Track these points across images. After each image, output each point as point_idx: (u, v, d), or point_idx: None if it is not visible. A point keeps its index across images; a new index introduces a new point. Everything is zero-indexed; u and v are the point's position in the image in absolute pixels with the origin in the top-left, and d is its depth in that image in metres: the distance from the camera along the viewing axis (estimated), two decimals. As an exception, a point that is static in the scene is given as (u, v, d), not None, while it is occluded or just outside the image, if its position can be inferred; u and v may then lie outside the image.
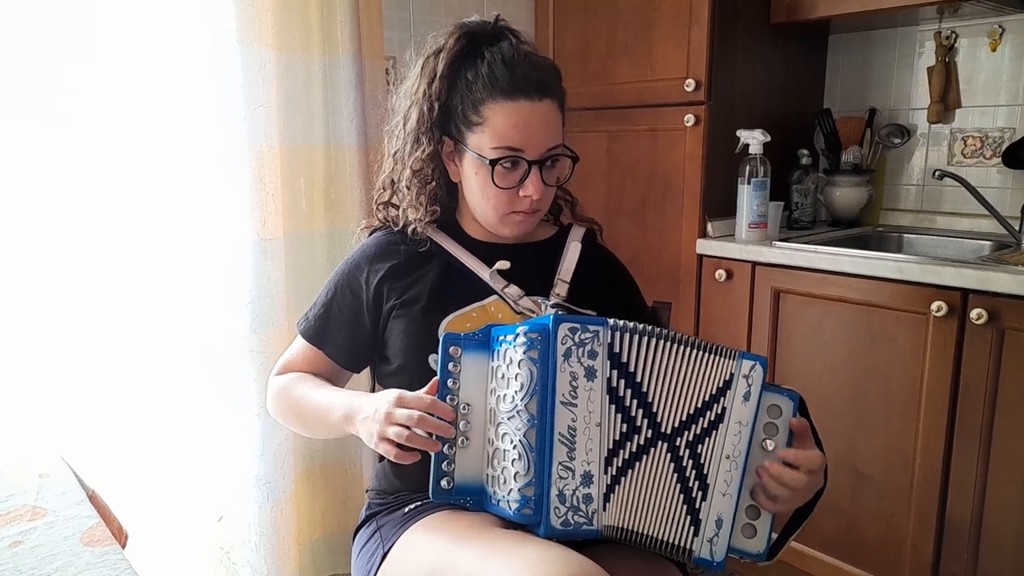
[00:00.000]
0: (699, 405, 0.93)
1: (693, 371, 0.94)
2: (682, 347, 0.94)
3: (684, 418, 0.93)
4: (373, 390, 1.24)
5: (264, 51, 1.62)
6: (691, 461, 0.93)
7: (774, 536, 0.97)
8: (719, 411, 0.94)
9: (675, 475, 0.92)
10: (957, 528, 1.57)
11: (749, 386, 0.94)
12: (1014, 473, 1.49)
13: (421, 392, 0.93)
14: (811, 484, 0.94)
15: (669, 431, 0.93)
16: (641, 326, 0.93)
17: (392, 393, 0.94)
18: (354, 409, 1.00)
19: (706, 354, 0.94)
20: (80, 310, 1.52)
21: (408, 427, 0.90)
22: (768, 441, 0.95)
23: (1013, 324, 1.44)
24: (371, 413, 0.95)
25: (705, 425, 0.93)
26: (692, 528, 0.92)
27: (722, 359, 0.94)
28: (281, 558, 1.77)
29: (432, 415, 0.91)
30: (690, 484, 0.93)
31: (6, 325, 1.45)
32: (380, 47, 1.81)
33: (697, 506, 0.92)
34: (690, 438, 0.93)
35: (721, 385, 0.94)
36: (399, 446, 0.92)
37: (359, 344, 1.14)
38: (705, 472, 0.93)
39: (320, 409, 1.08)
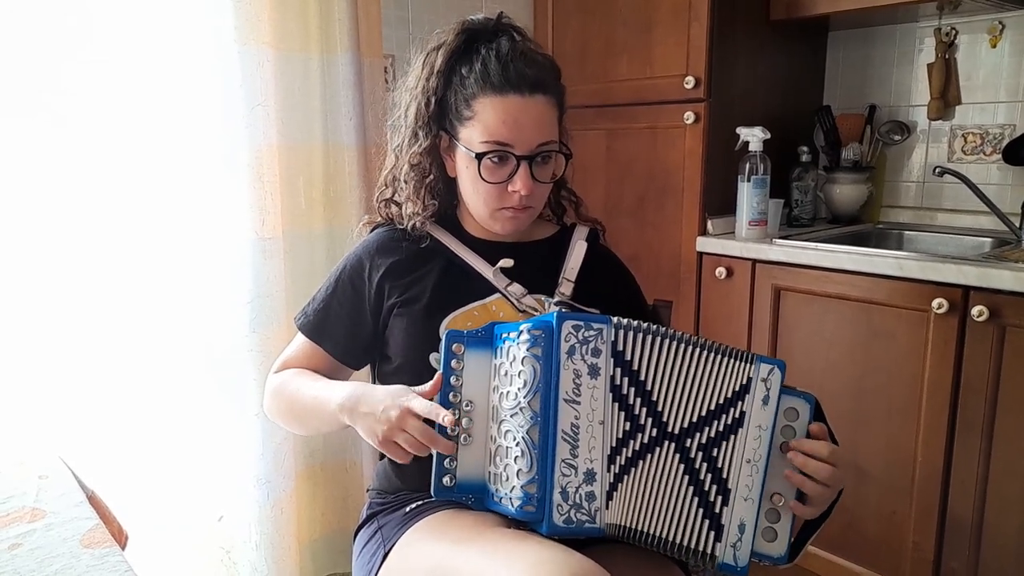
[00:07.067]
0: (712, 408, 0.93)
1: (704, 373, 0.93)
2: (692, 348, 0.93)
3: (695, 419, 0.92)
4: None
5: (262, 50, 1.61)
6: (705, 464, 0.92)
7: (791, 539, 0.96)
8: (737, 415, 0.93)
9: (686, 477, 0.92)
10: (958, 525, 1.57)
11: (768, 390, 0.94)
12: (1015, 470, 1.49)
13: (430, 405, 0.91)
14: (836, 478, 0.94)
15: (677, 431, 0.92)
16: (646, 324, 0.93)
17: (401, 396, 0.93)
18: (354, 400, 0.98)
19: (719, 356, 0.93)
20: (79, 310, 1.52)
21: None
22: (786, 444, 0.95)
23: (1014, 321, 1.44)
24: (376, 412, 0.94)
25: (721, 428, 0.93)
26: (712, 533, 0.92)
27: (737, 362, 0.94)
28: (282, 557, 1.76)
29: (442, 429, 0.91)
30: (706, 488, 0.92)
31: (5, 326, 1.45)
32: (379, 45, 1.81)
33: (717, 511, 0.92)
34: (703, 440, 0.92)
35: (738, 389, 0.93)
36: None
37: (359, 340, 1.13)
38: (724, 476, 0.92)
39: (315, 400, 1.06)
